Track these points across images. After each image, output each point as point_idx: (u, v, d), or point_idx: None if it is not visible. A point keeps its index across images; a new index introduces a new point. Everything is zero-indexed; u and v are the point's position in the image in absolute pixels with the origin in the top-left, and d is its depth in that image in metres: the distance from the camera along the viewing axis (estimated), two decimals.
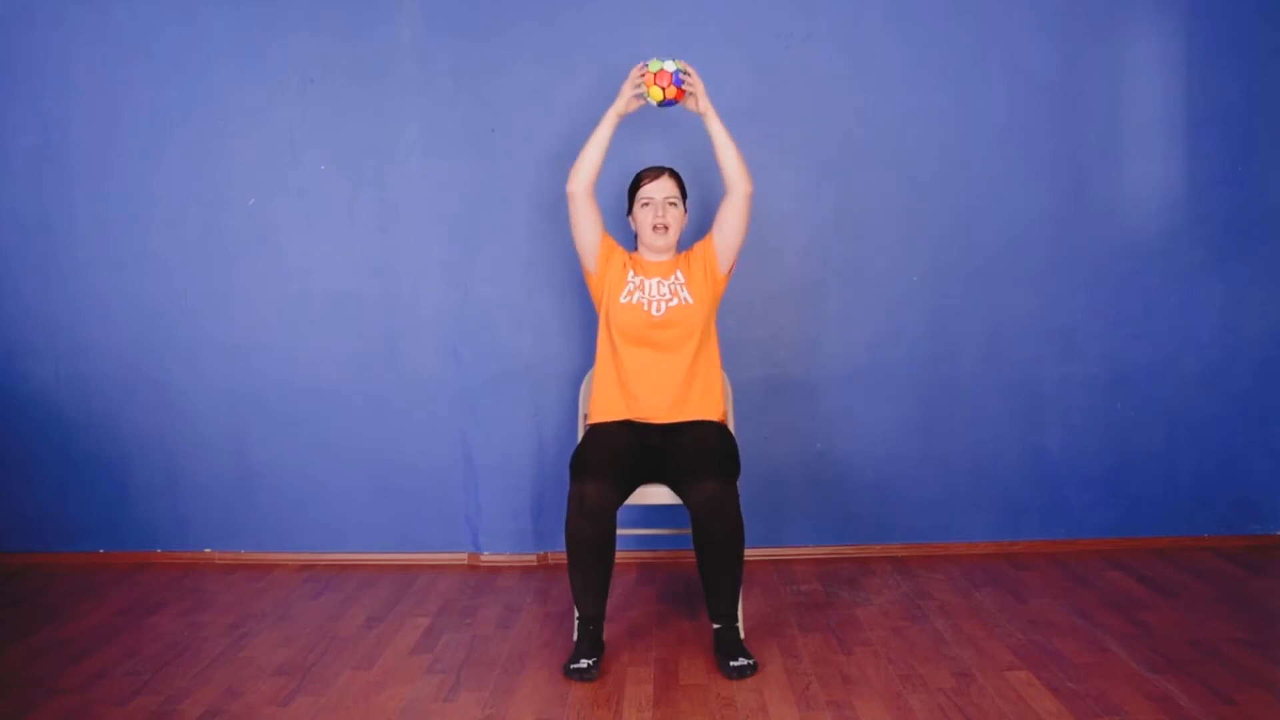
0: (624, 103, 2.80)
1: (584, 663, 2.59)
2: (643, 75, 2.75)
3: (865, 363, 3.48)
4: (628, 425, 2.85)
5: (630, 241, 3.25)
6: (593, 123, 3.36)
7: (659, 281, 2.87)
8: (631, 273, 2.91)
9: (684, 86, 2.75)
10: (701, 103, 2.79)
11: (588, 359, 3.39)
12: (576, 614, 2.71)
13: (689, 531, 2.71)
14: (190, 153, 3.46)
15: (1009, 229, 3.46)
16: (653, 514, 3.43)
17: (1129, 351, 3.50)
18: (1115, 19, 3.42)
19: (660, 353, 2.84)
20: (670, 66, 2.73)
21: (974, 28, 3.40)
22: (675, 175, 2.91)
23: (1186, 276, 3.49)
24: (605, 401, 2.90)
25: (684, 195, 2.93)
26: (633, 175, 2.99)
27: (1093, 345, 3.50)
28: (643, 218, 2.87)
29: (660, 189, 2.86)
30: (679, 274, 2.89)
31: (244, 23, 3.41)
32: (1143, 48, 3.44)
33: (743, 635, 2.75)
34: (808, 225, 3.45)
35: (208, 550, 3.59)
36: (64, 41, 3.44)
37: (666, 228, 2.86)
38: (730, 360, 3.31)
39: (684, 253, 2.97)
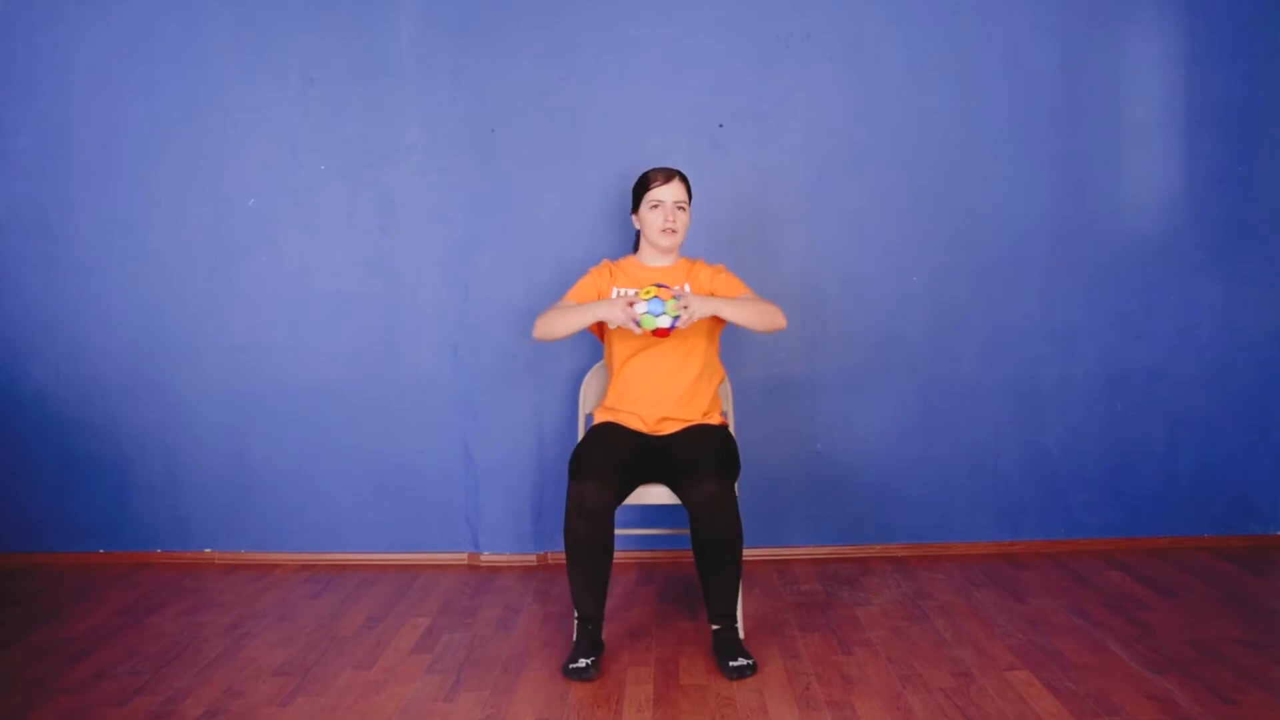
0: (614, 321, 2.68)
1: (583, 662, 2.59)
2: (640, 329, 2.66)
3: (865, 363, 3.48)
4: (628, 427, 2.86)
5: (626, 241, 3.25)
6: (592, 122, 3.40)
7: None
8: (617, 291, 2.88)
9: (680, 325, 2.65)
10: (702, 310, 2.67)
11: (588, 358, 3.39)
12: (576, 613, 2.71)
13: (688, 531, 2.71)
14: (190, 153, 3.46)
15: (1009, 229, 3.46)
16: (652, 514, 3.43)
17: (1129, 351, 3.50)
18: (1115, 19, 3.42)
19: (661, 363, 2.84)
20: (665, 322, 2.62)
21: (974, 28, 3.40)
22: (685, 179, 2.90)
23: (1186, 276, 3.49)
24: (608, 404, 2.92)
25: (690, 198, 2.92)
26: (639, 173, 2.98)
27: (1093, 345, 3.50)
28: (651, 219, 2.87)
29: (670, 193, 2.86)
30: (687, 286, 2.88)
31: (244, 23, 3.41)
32: (1143, 48, 3.44)
33: (742, 635, 2.76)
34: (807, 225, 3.45)
35: (208, 550, 3.59)
36: (64, 41, 3.44)
37: (674, 231, 2.86)
38: (730, 360, 3.31)
39: (693, 262, 2.96)
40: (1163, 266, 3.49)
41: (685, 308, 2.64)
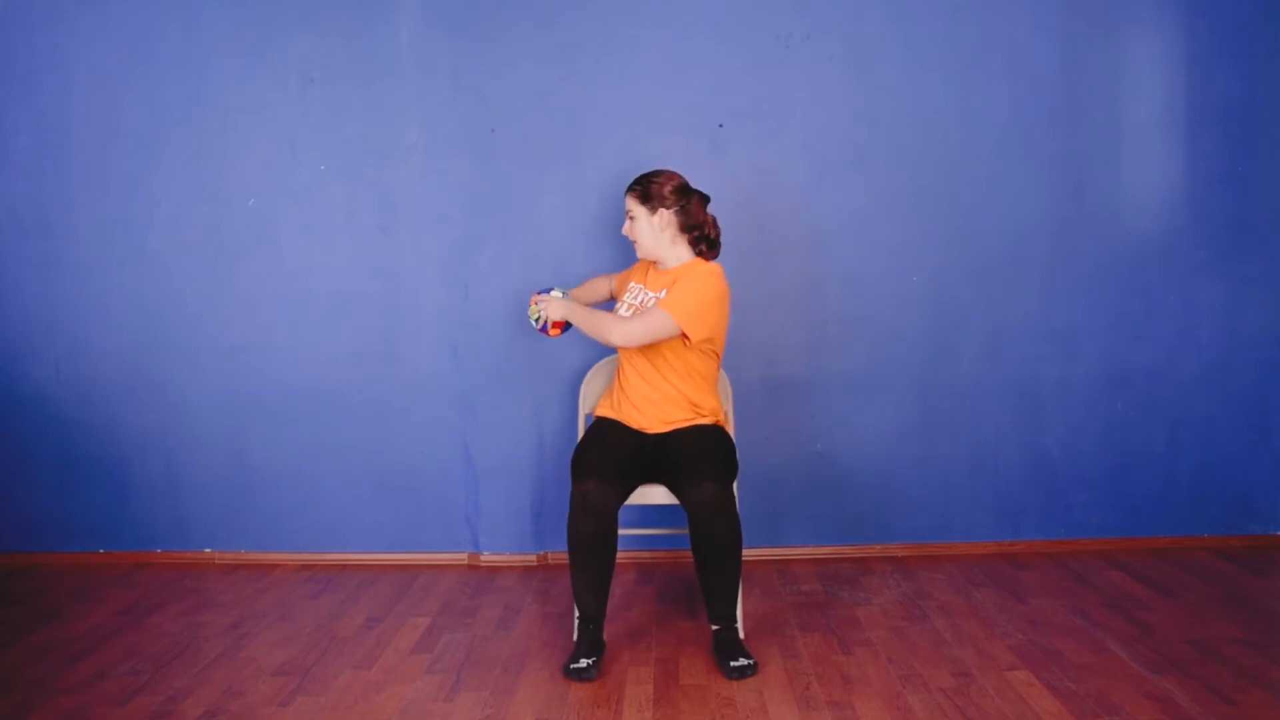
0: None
1: (583, 662, 2.59)
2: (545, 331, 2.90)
3: (865, 363, 3.48)
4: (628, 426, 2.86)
5: (625, 241, 3.26)
6: (592, 122, 3.41)
7: (651, 295, 2.87)
8: (632, 283, 2.96)
9: (549, 330, 2.87)
10: (554, 313, 2.83)
11: (588, 358, 3.39)
12: (577, 613, 2.71)
13: (688, 531, 2.71)
14: (190, 153, 3.46)
15: (1009, 229, 3.46)
16: (652, 514, 3.43)
17: (1129, 351, 3.50)
18: (1115, 19, 3.42)
19: (653, 364, 2.84)
20: (531, 324, 2.93)
21: (974, 28, 3.40)
22: (635, 188, 2.86)
23: (1186, 276, 3.49)
24: (607, 400, 2.94)
25: (651, 200, 2.83)
26: (638, 173, 2.97)
27: (1093, 345, 3.50)
28: None
29: (627, 204, 2.88)
30: (665, 292, 2.83)
31: (244, 23, 3.41)
32: (1143, 48, 3.44)
33: (742, 635, 2.76)
34: (808, 225, 3.45)
35: (208, 550, 3.59)
36: (64, 41, 3.44)
37: (635, 241, 2.88)
38: (730, 360, 3.31)
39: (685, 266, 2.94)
40: (1163, 266, 3.49)
41: (542, 315, 2.85)
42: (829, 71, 3.40)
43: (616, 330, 2.75)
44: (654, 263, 2.95)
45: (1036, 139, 3.43)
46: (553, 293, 2.88)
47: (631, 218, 2.87)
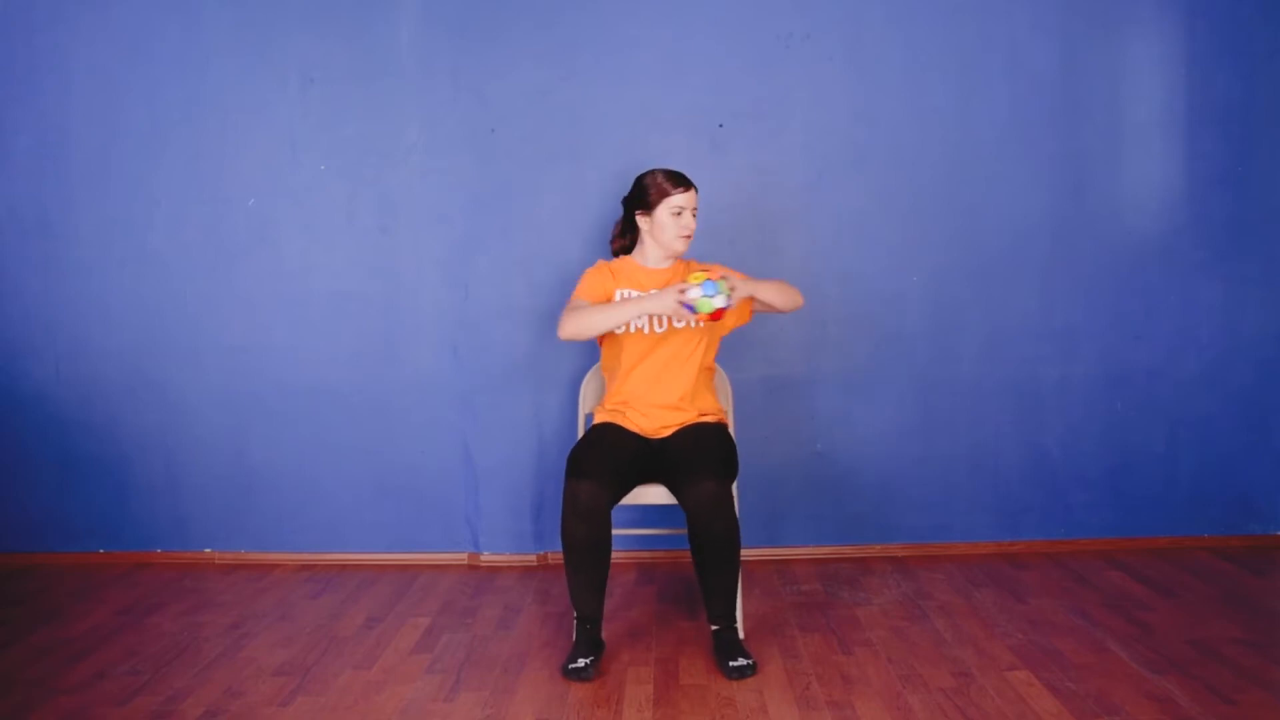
0: (666, 312, 2.71)
1: (581, 662, 2.59)
2: (695, 316, 2.63)
3: (865, 363, 3.48)
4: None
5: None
6: (592, 122, 3.40)
7: None
8: (620, 293, 2.87)
9: (732, 305, 2.64)
10: (743, 290, 2.72)
11: (588, 359, 3.39)
12: (575, 613, 2.71)
13: (687, 531, 2.71)
14: (190, 153, 3.46)
15: (1009, 229, 3.46)
16: (652, 514, 3.44)
17: (1129, 351, 3.50)
18: (1115, 19, 3.42)
19: (664, 367, 2.84)
20: (721, 301, 2.58)
21: (974, 28, 3.40)
22: (695, 187, 2.89)
23: (1186, 276, 3.49)
24: (609, 406, 2.91)
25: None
26: (638, 173, 2.97)
27: (1093, 345, 3.50)
28: (670, 225, 2.84)
29: (691, 200, 2.85)
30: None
31: (244, 23, 3.42)
32: (1143, 48, 3.44)
33: (742, 635, 2.76)
34: (808, 225, 3.45)
35: (208, 550, 3.59)
36: (64, 41, 3.44)
37: (691, 237, 2.87)
38: (730, 360, 3.31)
39: (686, 263, 2.94)
40: (1163, 266, 3.49)
41: (733, 288, 2.65)
42: (829, 71, 3.40)
43: (798, 291, 2.91)
44: (617, 268, 2.92)
45: (1036, 139, 3.43)
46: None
47: (693, 213, 2.88)
